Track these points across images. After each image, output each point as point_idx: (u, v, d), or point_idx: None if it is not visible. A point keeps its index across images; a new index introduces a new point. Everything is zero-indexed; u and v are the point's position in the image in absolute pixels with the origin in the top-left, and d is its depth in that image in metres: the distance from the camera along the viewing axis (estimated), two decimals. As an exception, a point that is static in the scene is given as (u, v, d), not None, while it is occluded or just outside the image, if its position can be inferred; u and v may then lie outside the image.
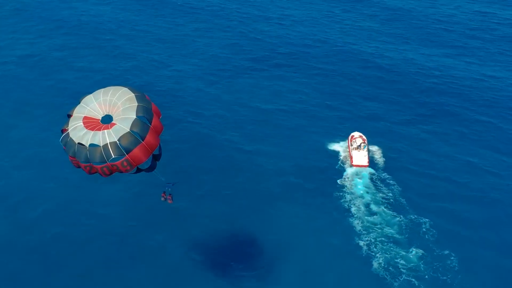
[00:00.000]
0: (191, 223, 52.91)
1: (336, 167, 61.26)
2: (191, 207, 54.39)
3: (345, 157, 62.83)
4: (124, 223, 53.26)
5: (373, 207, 54.83)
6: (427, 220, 53.46)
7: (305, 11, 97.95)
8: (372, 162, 61.64)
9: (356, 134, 65.24)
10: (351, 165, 61.32)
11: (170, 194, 38.33)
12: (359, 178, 59.19)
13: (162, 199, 38.50)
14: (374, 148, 64.26)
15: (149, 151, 30.82)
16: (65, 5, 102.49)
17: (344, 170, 60.98)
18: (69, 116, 32.73)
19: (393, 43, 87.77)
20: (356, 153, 61.81)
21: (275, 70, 79.64)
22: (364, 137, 64.71)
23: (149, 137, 30.67)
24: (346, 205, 55.49)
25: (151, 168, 31.98)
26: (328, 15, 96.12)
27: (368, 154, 62.17)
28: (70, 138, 31.13)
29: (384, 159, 62.36)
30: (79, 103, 33.04)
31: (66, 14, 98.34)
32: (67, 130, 31.86)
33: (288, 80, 77.66)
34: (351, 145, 63.37)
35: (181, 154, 60.77)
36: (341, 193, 57.23)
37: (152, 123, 31.15)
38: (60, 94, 73.16)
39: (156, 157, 32.00)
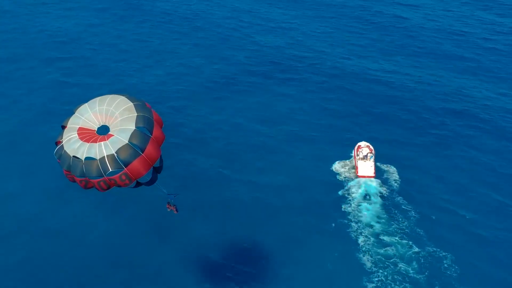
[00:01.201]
0: (192, 235, 50.76)
1: (340, 180, 58.66)
2: (192, 218, 52.23)
3: (350, 169, 60.23)
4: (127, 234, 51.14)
5: (385, 238, 50.06)
6: (447, 254, 48.36)
7: (303, 23, 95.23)
8: (379, 173, 58.45)
9: (363, 144, 62.26)
10: (356, 176, 58.39)
11: (174, 205, 36.76)
12: (366, 199, 54.99)
13: (168, 210, 37.06)
14: (383, 161, 60.66)
15: (150, 164, 28.77)
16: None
17: (349, 181, 58.01)
18: (63, 127, 30.72)
19: (398, 62, 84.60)
20: (362, 164, 58.87)
21: (273, 83, 76.76)
22: (371, 147, 61.61)
23: (149, 149, 28.61)
24: (352, 235, 51.04)
25: (152, 181, 29.91)
26: (325, 30, 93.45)
27: (375, 165, 59.17)
28: (65, 150, 29.08)
29: (392, 171, 59.26)
30: (73, 113, 31.03)
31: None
32: (61, 142, 29.83)
33: (287, 94, 74.73)
34: (357, 155, 60.41)
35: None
36: (346, 219, 52.78)
37: (153, 134, 29.11)
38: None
39: (156, 170, 29.90)
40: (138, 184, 29.60)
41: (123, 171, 28.05)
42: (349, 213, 53.29)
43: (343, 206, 54.38)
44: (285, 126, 67.33)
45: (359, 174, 58.32)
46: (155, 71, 78.87)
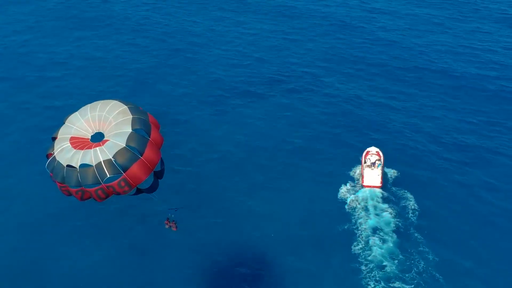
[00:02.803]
0: (195, 254, 47.95)
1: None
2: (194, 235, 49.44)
3: (357, 176, 56.28)
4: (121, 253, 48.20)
5: (386, 262, 46.12)
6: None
7: (303, 37, 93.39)
8: (386, 183, 54.33)
9: (372, 149, 57.33)
10: (362, 185, 54.06)
11: (173, 221, 34.52)
12: (369, 212, 50.89)
13: (166, 226, 34.64)
14: (391, 169, 56.70)
15: (150, 168, 26.90)
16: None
17: (353, 191, 54.16)
18: (54, 138, 28.82)
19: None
20: (369, 172, 54.23)
21: (273, 97, 72.98)
22: (381, 153, 56.79)
23: (148, 152, 26.80)
24: (352, 252, 47.35)
25: (153, 187, 27.98)
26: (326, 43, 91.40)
27: (383, 173, 54.61)
28: (57, 161, 27.10)
29: (400, 181, 55.20)
30: (63, 123, 29.20)
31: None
32: (53, 154, 27.84)
33: (289, 105, 70.83)
34: (365, 162, 55.70)
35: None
36: (346, 234, 49.35)
37: (151, 136, 27.37)
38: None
39: (157, 175, 27.99)
40: (139, 191, 27.67)
41: (121, 176, 26.14)
42: (349, 228, 50.10)
43: (344, 219, 51.03)
44: (288, 139, 64.03)
45: (364, 183, 53.88)
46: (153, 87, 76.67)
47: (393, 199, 52.91)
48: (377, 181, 53.61)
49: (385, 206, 51.77)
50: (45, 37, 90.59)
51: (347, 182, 55.46)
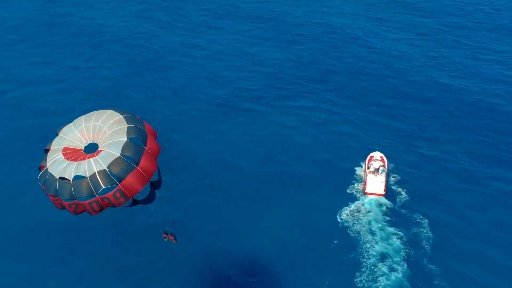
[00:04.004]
0: (196, 265, 46.41)
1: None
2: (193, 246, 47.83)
3: (359, 184, 54.20)
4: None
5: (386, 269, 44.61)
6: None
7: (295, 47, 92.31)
8: (390, 191, 52.17)
9: (376, 154, 55.08)
10: (364, 192, 51.97)
11: (172, 234, 33.42)
12: (371, 222, 48.82)
13: (166, 239, 33.55)
14: (395, 175, 54.82)
15: (146, 178, 25.86)
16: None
17: (355, 199, 52.15)
18: (46, 151, 27.86)
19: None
20: (372, 179, 51.93)
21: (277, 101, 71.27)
22: (385, 159, 54.58)
23: (144, 161, 25.79)
24: (351, 260, 45.74)
25: (149, 198, 26.91)
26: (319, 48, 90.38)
27: (386, 180, 52.45)
28: (50, 173, 26.10)
29: (405, 189, 52.95)
30: (56, 135, 28.29)
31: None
32: (45, 166, 26.85)
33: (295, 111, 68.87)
34: (368, 167, 53.43)
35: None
36: (346, 243, 47.24)
37: (147, 145, 26.37)
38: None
39: (154, 185, 26.93)
40: (135, 202, 26.58)
41: (117, 187, 25.10)
42: (350, 237, 48.36)
43: (344, 227, 49.26)
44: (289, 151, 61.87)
45: (367, 191, 51.73)
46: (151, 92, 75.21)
47: (400, 217, 50.63)
48: (381, 189, 51.62)
49: (392, 229, 48.91)
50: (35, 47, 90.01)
51: (349, 194, 53.59)
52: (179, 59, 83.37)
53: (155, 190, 27.16)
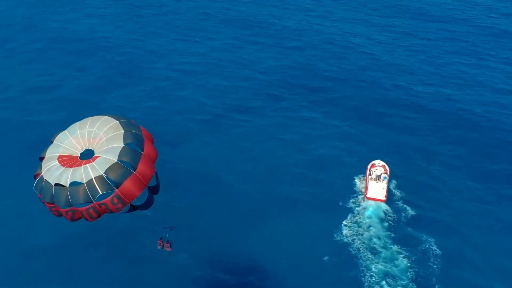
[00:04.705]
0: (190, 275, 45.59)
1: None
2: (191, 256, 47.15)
3: (360, 189, 54.46)
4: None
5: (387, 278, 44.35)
6: None
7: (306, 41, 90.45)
8: (391, 197, 52.21)
9: (377, 162, 55.64)
10: (365, 197, 52.29)
11: (168, 241, 32.97)
12: (372, 225, 48.98)
13: (159, 247, 33.08)
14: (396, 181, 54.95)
15: (144, 183, 25.65)
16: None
17: (356, 204, 52.16)
18: (41, 158, 27.58)
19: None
20: (373, 185, 52.36)
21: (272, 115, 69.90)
22: (387, 167, 55.07)
23: (142, 166, 25.61)
24: (351, 266, 45.52)
25: (148, 204, 26.69)
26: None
27: (388, 187, 52.69)
28: (45, 181, 25.80)
29: (406, 195, 53.15)
30: (51, 142, 28.03)
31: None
32: (41, 173, 26.55)
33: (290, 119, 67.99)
34: (370, 174, 54.05)
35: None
36: (346, 246, 47.10)
37: (144, 150, 26.21)
38: None
39: (152, 190, 26.73)
40: (133, 208, 26.36)
41: (114, 193, 24.85)
42: (351, 239, 48.62)
43: (345, 230, 49.33)
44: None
45: (368, 195, 52.11)
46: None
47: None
48: (382, 195, 51.84)
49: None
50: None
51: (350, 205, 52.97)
52: (162, 66, 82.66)
53: (153, 195, 26.94)
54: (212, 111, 70.36)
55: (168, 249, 33.79)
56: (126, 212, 26.32)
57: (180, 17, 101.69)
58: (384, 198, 51.90)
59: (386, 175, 53.60)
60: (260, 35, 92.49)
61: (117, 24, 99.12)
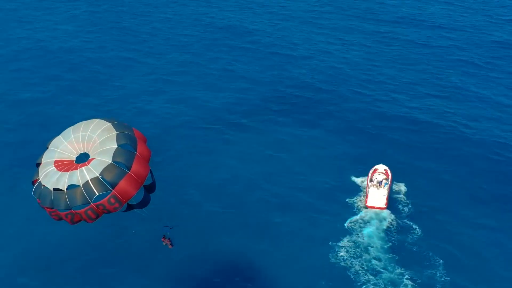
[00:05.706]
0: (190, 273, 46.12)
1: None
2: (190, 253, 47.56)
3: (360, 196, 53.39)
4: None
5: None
6: None
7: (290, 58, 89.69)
8: (392, 204, 51.07)
9: (380, 167, 54.03)
10: (365, 206, 50.88)
11: (169, 238, 33.85)
12: (371, 235, 47.42)
13: (164, 243, 34.04)
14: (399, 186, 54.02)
15: (139, 182, 26.30)
16: None
17: (355, 212, 51.08)
18: (38, 165, 28.17)
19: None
20: (374, 192, 50.86)
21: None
22: (389, 172, 53.62)
23: (136, 166, 26.24)
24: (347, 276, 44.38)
25: (144, 202, 27.30)
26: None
27: (389, 194, 51.63)
28: (44, 186, 26.44)
29: (408, 202, 52.28)
30: (47, 148, 28.64)
31: None
32: (38, 179, 27.17)
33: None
34: (371, 180, 52.51)
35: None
36: (343, 258, 46.02)
37: (137, 150, 26.86)
38: None
39: (148, 189, 27.38)
40: (130, 207, 27.00)
41: (111, 193, 25.52)
42: (349, 262, 46.37)
43: (343, 241, 47.99)
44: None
45: (368, 204, 50.67)
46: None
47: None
48: (382, 202, 50.61)
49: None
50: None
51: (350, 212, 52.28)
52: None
53: (150, 194, 27.59)
54: (208, 119, 70.12)
55: (170, 247, 34.64)
56: (123, 212, 26.94)
57: (166, 26, 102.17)
58: (385, 206, 50.61)
59: (387, 181, 52.28)
60: (251, 47, 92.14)
61: (94, 33, 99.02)
